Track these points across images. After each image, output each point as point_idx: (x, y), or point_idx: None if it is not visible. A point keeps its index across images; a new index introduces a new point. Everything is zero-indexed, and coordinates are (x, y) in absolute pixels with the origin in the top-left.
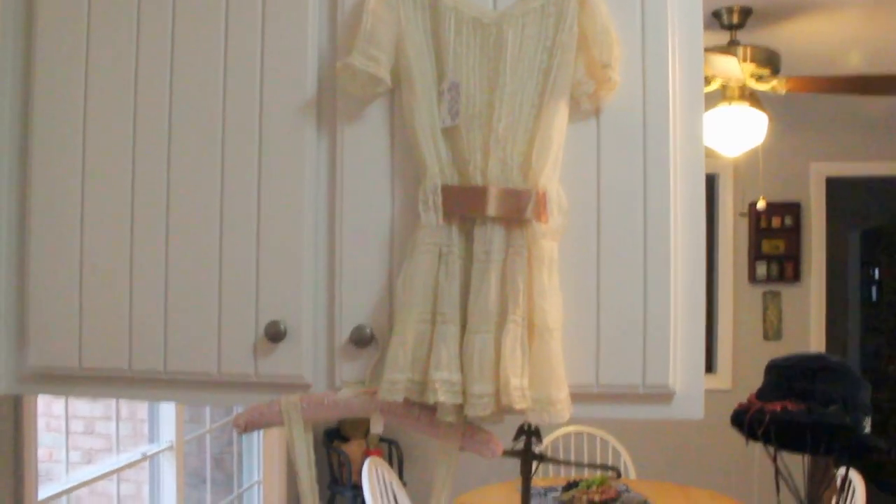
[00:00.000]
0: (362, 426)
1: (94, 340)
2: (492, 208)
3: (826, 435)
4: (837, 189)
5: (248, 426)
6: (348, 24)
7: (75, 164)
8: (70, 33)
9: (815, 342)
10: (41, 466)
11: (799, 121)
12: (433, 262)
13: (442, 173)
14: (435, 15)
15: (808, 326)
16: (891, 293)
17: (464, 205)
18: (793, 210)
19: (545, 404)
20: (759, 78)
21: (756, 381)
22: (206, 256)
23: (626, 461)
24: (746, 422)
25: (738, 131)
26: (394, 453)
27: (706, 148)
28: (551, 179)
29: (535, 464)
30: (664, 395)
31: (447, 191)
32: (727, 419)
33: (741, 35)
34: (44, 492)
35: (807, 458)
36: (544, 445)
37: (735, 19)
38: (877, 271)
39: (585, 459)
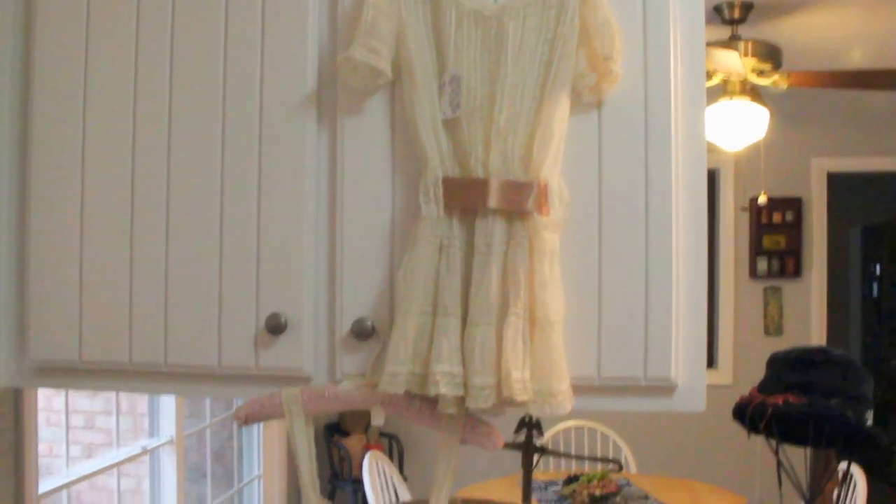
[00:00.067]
0: (363, 420)
1: (95, 333)
2: (493, 200)
3: (828, 428)
4: (839, 184)
5: (248, 419)
6: (349, 17)
7: (75, 157)
8: (70, 29)
9: (815, 338)
10: (41, 461)
11: (800, 116)
12: (434, 255)
13: (443, 165)
14: (436, 7)
15: (808, 322)
16: (892, 289)
17: (465, 197)
18: (794, 205)
19: (546, 396)
20: (761, 73)
21: (757, 376)
22: (207, 249)
23: (627, 455)
24: (748, 415)
25: (740, 126)
26: (394, 447)
27: (707, 143)
28: (552, 172)
29: (536, 457)
30: (666, 388)
31: (448, 183)
32: (728, 414)
33: (742, 29)
34: (44, 486)
35: (808, 451)
36: (545, 440)
37: (736, 14)
38: (878, 267)
39: (586, 454)
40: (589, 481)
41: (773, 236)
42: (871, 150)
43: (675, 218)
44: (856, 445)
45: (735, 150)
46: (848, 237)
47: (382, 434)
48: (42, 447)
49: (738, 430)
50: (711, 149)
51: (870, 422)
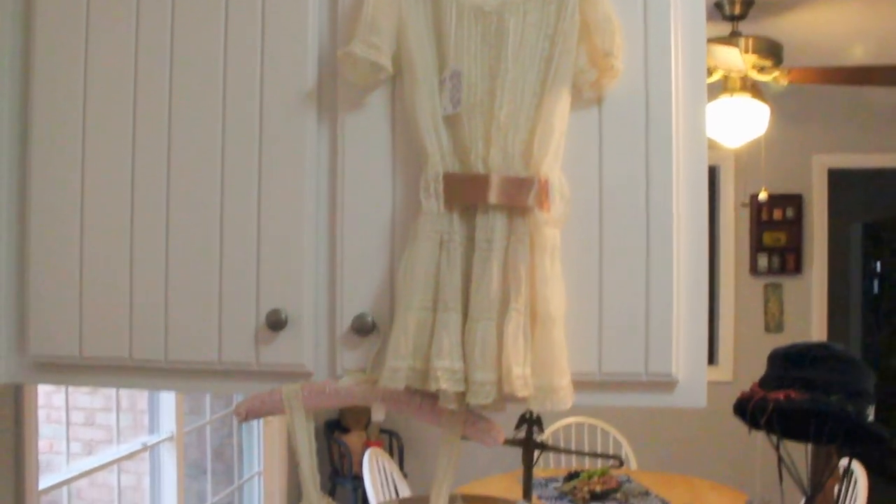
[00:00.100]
0: (363, 417)
1: (95, 329)
2: (493, 196)
3: (829, 423)
4: (839, 181)
5: (249, 414)
6: (349, 14)
7: (75, 154)
8: (69, 28)
9: (816, 334)
10: (42, 457)
11: (801, 112)
12: (434, 250)
13: (443, 161)
14: (436, 3)
15: (809, 319)
16: (892, 286)
17: (465, 192)
18: (794, 202)
19: (547, 392)
20: (761, 69)
21: (757, 373)
22: (207, 245)
23: (628, 452)
24: (749, 410)
25: (740, 122)
26: (394, 444)
27: (707, 139)
28: (553, 167)
29: (536, 453)
30: (667, 383)
31: (449, 178)
32: (728, 411)
33: (743, 26)
34: (44, 482)
35: (809, 446)
36: (546, 436)
37: (737, 10)
38: (878, 264)
39: (587, 450)
40: (589, 477)
41: (774, 233)
42: (872, 147)
43: (675, 214)
44: (857, 441)
45: (736, 146)
46: (849, 234)
47: (383, 431)
48: (42, 444)
49: (739, 427)
50: (712, 145)
51: (871, 417)
